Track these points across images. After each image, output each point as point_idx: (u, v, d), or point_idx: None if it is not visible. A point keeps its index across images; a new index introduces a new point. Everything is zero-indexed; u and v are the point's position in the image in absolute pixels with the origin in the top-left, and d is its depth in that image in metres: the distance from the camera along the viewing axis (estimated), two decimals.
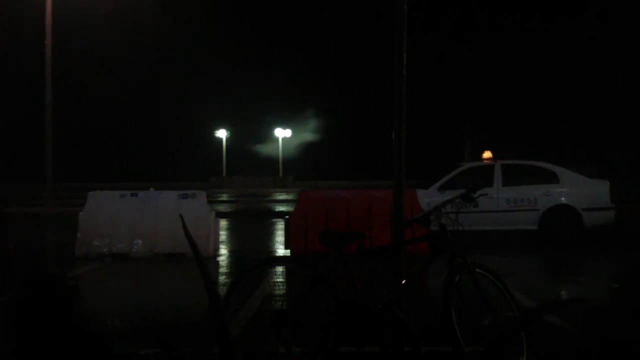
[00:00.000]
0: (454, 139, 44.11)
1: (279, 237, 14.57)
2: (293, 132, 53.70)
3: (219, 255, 11.70)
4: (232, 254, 12.16)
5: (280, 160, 54.27)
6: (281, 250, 12.25)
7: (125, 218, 11.56)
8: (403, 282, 5.12)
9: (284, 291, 8.25)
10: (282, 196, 31.18)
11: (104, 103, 42.57)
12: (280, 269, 9.28)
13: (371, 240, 10.86)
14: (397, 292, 5.00)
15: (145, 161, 43.92)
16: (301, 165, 49.76)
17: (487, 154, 14.66)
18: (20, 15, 29.06)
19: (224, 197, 29.94)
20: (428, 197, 12.83)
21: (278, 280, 8.94)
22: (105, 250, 11.41)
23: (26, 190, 26.94)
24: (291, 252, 11.37)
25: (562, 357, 5.57)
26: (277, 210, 23.11)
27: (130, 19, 35.58)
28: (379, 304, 4.94)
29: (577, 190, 13.48)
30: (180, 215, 3.51)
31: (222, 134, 53.93)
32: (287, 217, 12.09)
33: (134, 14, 33.69)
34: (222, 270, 10.26)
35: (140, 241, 11.47)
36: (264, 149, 54.63)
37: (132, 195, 11.80)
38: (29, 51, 28.77)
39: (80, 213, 11.70)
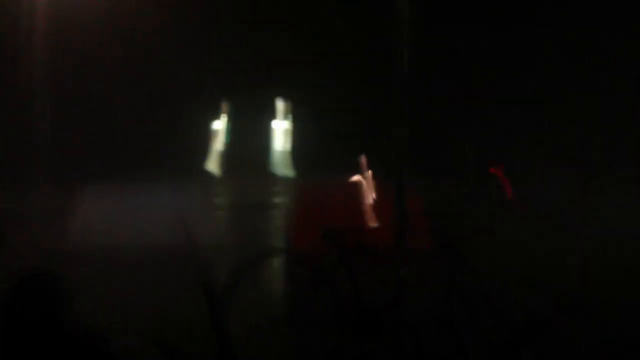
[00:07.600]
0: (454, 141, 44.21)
1: (277, 231, 14.20)
2: (291, 123, 53.66)
3: (215, 250, 11.49)
4: (228, 248, 11.98)
5: (274, 153, 54.25)
6: (279, 245, 12.08)
7: (116, 212, 11.55)
8: (403, 281, 5.16)
9: (281, 288, 8.24)
10: (281, 188, 31.13)
11: (92, 98, 42.41)
12: (279, 265, 9.21)
13: (372, 238, 10.77)
14: (398, 290, 5.04)
15: (136, 156, 43.77)
16: (302, 157, 49.66)
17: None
18: (17, 10, 28.81)
19: (220, 190, 29.83)
20: None
21: (276, 276, 8.88)
22: (96, 245, 11.17)
23: (17, 186, 26.95)
24: (290, 247, 11.12)
25: (563, 357, 5.53)
26: (275, 203, 23.03)
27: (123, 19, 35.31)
28: (380, 302, 5.00)
29: None
30: (177, 210, 3.49)
31: (216, 125, 54.12)
32: (285, 210, 11.99)
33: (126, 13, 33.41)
34: (218, 265, 10.10)
35: (133, 235, 11.30)
36: (261, 141, 54.54)
37: (123, 189, 11.87)
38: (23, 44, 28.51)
39: (72, 208, 11.80)
